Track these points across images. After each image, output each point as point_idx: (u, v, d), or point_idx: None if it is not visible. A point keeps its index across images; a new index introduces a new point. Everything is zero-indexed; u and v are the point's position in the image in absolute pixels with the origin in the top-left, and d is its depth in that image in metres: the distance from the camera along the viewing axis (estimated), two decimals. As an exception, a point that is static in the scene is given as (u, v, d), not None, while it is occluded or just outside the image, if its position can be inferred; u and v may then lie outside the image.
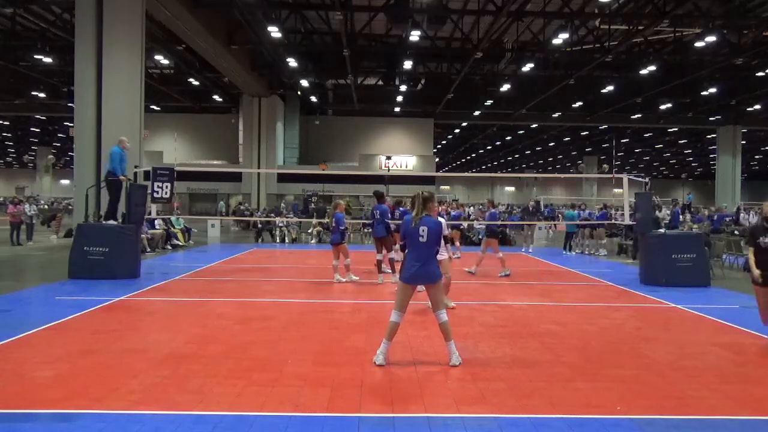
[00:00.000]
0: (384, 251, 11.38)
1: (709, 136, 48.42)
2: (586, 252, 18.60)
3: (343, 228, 11.16)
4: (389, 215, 11.54)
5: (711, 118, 40.47)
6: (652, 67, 26.76)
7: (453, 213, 19.49)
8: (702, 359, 6.02)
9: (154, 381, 5.00)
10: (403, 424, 4.15)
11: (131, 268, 11.21)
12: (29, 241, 18.77)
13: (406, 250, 5.77)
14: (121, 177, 11.74)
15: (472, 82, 33.14)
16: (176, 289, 10.24)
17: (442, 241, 6.08)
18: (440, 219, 5.89)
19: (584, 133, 52.09)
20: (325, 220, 23.53)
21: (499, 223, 21.98)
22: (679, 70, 28.44)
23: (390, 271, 11.33)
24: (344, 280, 11.15)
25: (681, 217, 19.46)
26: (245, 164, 37.27)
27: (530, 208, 24.50)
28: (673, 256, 11.18)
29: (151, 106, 37.27)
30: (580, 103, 36.72)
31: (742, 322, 7.86)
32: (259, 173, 37.20)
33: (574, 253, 18.80)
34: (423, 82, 34.13)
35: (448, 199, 41.47)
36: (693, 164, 75.29)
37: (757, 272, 6.30)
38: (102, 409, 4.33)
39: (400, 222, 11.34)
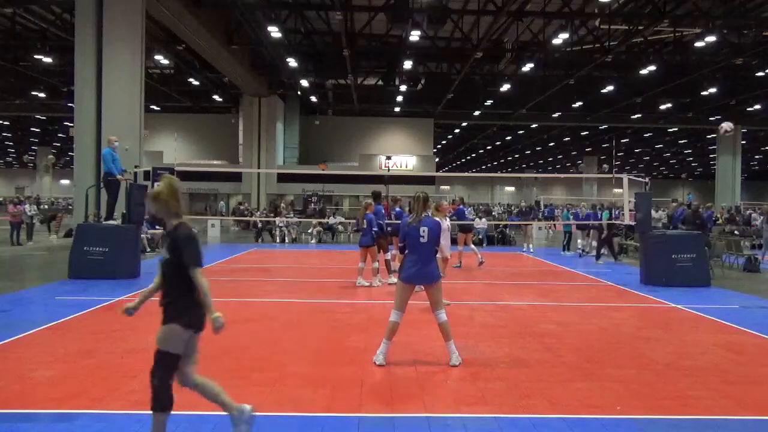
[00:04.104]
0: (381, 252, 11.15)
1: (709, 136, 48.37)
2: (585, 251, 18.58)
3: (375, 229, 10.72)
4: (384, 216, 11.23)
5: (711, 118, 40.41)
6: (652, 67, 26.71)
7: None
8: (702, 359, 6.02)
9: (154, 381, 4.98)
10: (403, 424, 4.15)
11: (131, 268, 11.21)
12: (29, 241, 18.77)
13: (406, 251, 5.76)
14: (119, 176, 11.72)
15: (472, 82, 33.09)
16: (176, 289, 10.21)
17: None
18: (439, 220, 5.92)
19: (584, 133, 52.03)
20: (325, 220, 23.83)
21: (497, 223, 21.84)
22: (679, 70, 28.40)
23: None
24: (366, 283, 10.67)
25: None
26: (245, 164, 37.24)
27: (523, 209, 24.50)
28: (673, 256, 11.19)
29: (151, 106, 37.20)
30: (580, 103, 36.67)
31: (742, 322, 7.85)
32: (259, 173, 37.19)
33: (571, 253, 18.78)
34: (423, 82, 34.06)
35: (449, 199, 41.32)
36: (693, 164, 75.22)
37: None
38: (102, 409, 4.33)
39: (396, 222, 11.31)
